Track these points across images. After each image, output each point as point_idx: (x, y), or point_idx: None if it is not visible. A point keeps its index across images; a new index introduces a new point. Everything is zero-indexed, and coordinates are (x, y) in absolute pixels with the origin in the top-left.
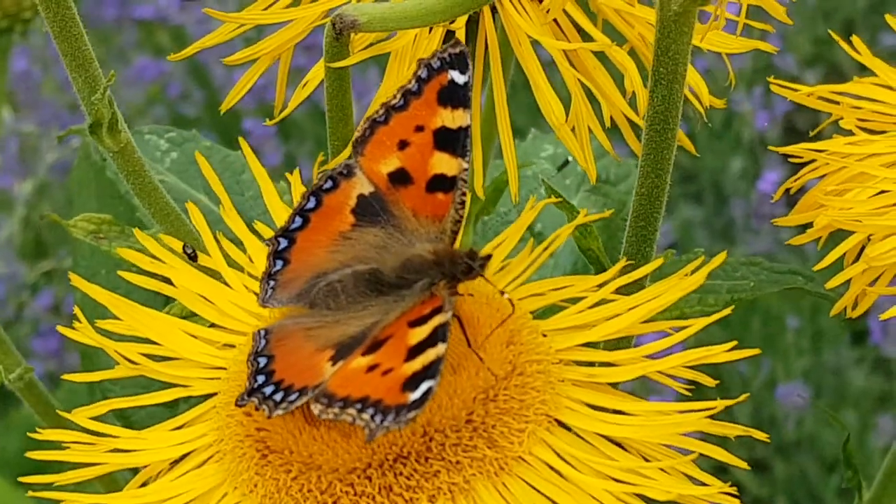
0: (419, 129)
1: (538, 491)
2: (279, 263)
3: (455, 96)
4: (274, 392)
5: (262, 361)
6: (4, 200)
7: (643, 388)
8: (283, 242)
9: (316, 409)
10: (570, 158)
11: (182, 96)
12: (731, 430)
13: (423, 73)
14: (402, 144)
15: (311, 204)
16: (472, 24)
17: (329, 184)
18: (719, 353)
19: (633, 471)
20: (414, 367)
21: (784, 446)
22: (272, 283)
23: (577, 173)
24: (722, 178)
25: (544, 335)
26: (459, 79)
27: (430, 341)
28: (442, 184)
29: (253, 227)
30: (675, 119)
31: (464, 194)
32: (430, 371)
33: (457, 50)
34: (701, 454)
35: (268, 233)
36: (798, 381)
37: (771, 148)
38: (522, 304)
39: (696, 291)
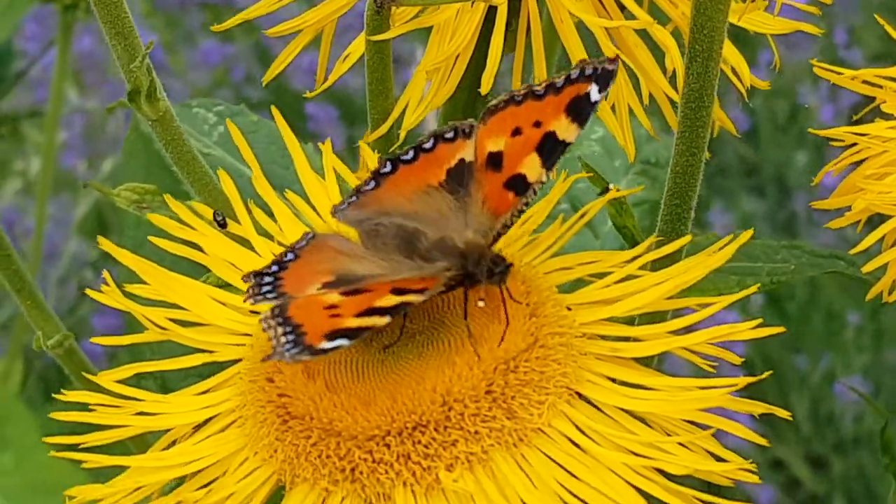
0: (537, 124)
1: (557, 463)
2: (371, 184)
3: (580, 109)
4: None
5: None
6: (69, 180)
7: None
8: (388, 167)
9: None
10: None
11: (246, 79)
12: (754, 407)
13: (574, 74)
14: (516, 132)
15: (429, 144)
16: (515, 1)
17: (450, 134)
18: (745, 331)
19: (653, 445)
20: (353, 323)
21: (842, 443)
22: (354, 198)
23: (625, 156)
24: (786, 171)
25: (569, 309)
26: (594, 95)
27: (387, 311)
28: (518, 185)
29: (285, 196)
30: (710, 97)
31: (527, 204)
32: (354, 333)
33: (611, 67)
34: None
35: (298, 202)
36: (857, 378)
37: (811, 131)
38: (549, 277)
39: (736, 273)
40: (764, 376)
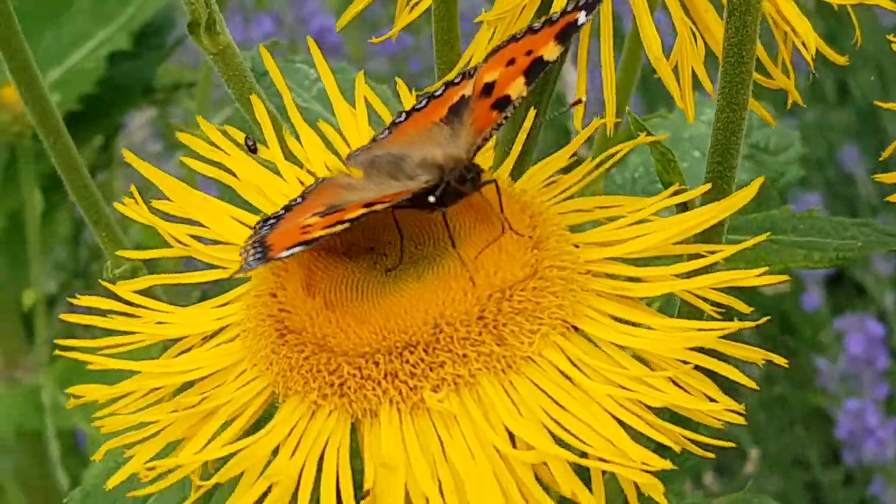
0: (529, 53)
1: (544, 392)
2: (385, 133)
3: (567, 34)
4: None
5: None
6: None
7: None
8: (402, 117)
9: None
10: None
11: (422, 71)
12: (749, 352)
13: (569, 7)
14: (510, 62)
15: (439, 91)
16: None
17: (458, 79)
18: (750, 277)
19: (640, 379)
20: (316, 234)
21: None
22: (368, 146)
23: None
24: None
25: (576, 246)
26: (581, 19)
27: (349, 221)
28: (502, 103)
29: (318, 126)
30: (750, 52)
31: (507, 118)
32: (312, 241)
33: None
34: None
35: (330, 132)
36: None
37: (877, 103)
38: (562, 217)
39: (803, 247)
40: (762, 321)
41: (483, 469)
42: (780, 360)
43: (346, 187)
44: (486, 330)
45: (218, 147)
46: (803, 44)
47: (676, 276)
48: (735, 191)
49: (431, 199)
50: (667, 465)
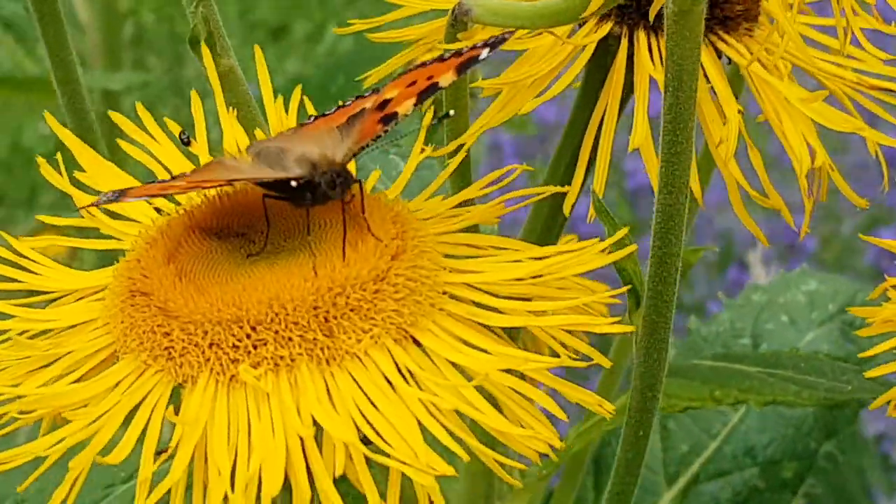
0: (429, 78)
1: (362, 389)
2: (291, 130)
3: (467, 66)
4: None
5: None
6: None
7: None
8: (310, 120)
9: None
10: (451, 112)
11: None
12: (568, 388)
13: (481, 43)
14: (411, 83)
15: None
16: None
17: (367, 94)
18: (601, 325)
19: (457, 392)
20: (169, 191)
21: None
22: (271, 139)
23: (827, 309)
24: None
25: (444, 268)
26: (483, 55)
27: (203, 188)
28: (389, 118)
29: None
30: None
31: (386, 131)
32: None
33: (507, 36)
34: None
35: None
36: None
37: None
38: (445, 244)
39: (797, 384)
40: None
41: (277, 449)
42: (609, 408)
43: (227, 168)
44: (317, 320)
45: (150, 134)
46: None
47: (531, 312)
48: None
49: (293, 183)
50: (449, 470)
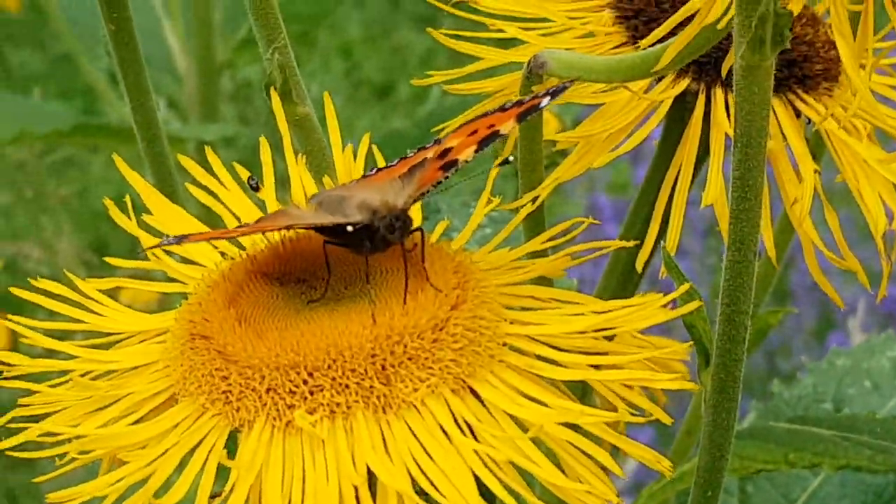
0: (490, 126)
1: (417, 439)
2: (354, 182)
3: (527, 115)
4: None
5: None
6: None
7: None
8: (373, 171)
9: None
10: (511, 158)
11: None
12: (634, 448)
13: (542, 93)
14: (472, 133)
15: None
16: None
17: (430, 144)
18: (663, 381)
19: (515, 445)
20: (231, 234)
21: None
22: (335, 189)
23: None
24: None
25: (505, 320)
26: (544, 103)
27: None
28: (449, 165)
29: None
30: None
31: (447, 178)
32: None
33: (568, 85)
34: None
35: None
36: None
37: None
38: (508, 296)
39: (871, 448)
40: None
41: (331, 497)
42: (666, 465)
43: (290, 216)
44: (374, 367)
45: (218, 179)
46: None
47: (591, 366)
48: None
49: (351, 227)
50: None
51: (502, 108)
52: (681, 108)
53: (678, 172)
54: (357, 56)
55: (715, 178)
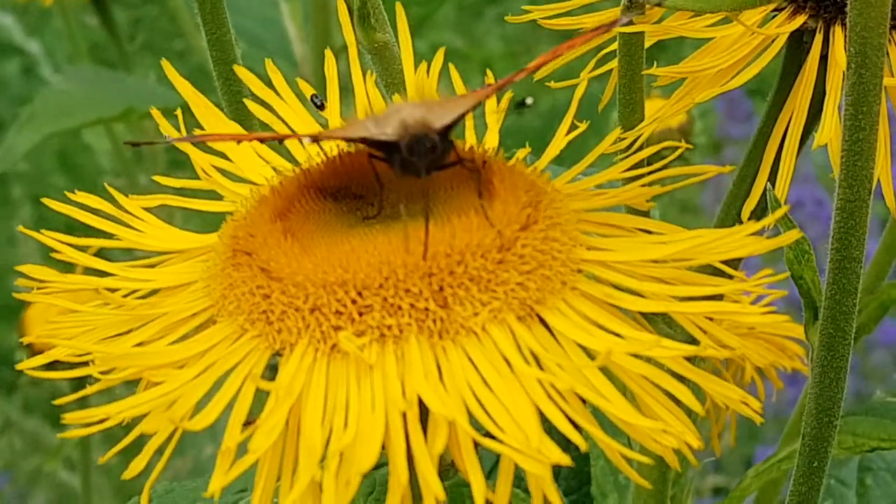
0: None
1: (476, 368)
2: None
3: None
4: None
5: None
6: None
7: None
8: None
9: None
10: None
11: None
12: (723, 388)
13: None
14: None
15: None
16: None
17: None
18: (753, 314)
19: (581, 375)
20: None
21: None
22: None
23: None
24: None
25: (580, 244)
26: (623, 20)
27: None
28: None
29: None
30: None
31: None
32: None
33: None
34: None
35: None
36: None
37: None
38: (586, 222)
39: None
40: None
41: (376, 425)
42: (756, 406)
43: (358, 125)
44: (430, 288)
45: (278, 94)
46: None
47: (674, 297)
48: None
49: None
50: (565, 459)
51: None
52: (796, 47)
53: (791, 117)
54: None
55: (830, 118)
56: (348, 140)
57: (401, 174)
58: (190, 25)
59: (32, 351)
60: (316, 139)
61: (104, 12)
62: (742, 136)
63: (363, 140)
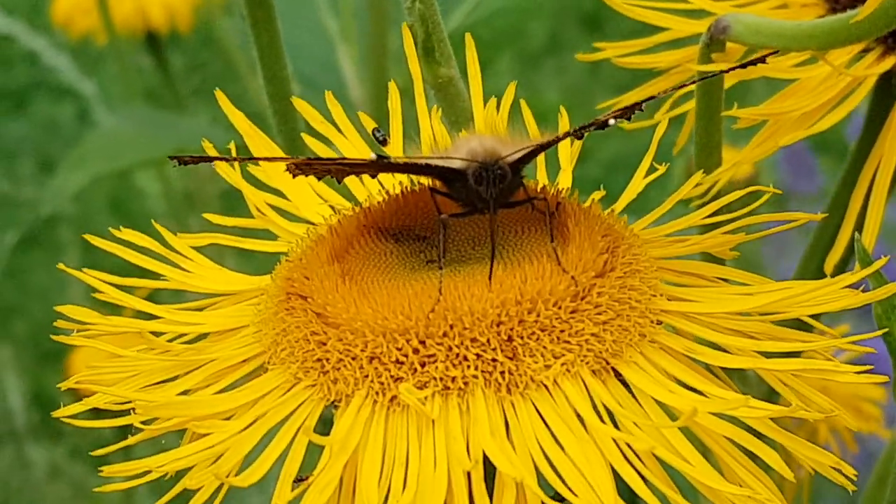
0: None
1: (546, 425)
2: None
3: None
4: None
5: None
6: None
7: None
8: None
9: None
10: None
11: None
12: (815, 453)
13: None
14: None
15: None
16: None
17: None
18: (847, 373)
19: (661, 435)
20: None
21: None
22: None
23: None
24: None
25: (660, 294)
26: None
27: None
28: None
29: None
30: None
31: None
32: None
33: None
34: None
35: None
36: None
37: None
38: (665, 270)
39: None
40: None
41: (437, 485)
42: (849, 474)
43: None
44: (499, 338)
45: (337, 127)
46: None
47: (759, 352)
48: None
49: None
50: None
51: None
52: (885, 90)
53: (878, 164)
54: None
55: None
56: (411, 169)
57: (467, 207)
58: (244, 69)
59: (77, 396)
60: (377, 164)
61: (158, 53)
62: (807, 192)
63: (426, 168)
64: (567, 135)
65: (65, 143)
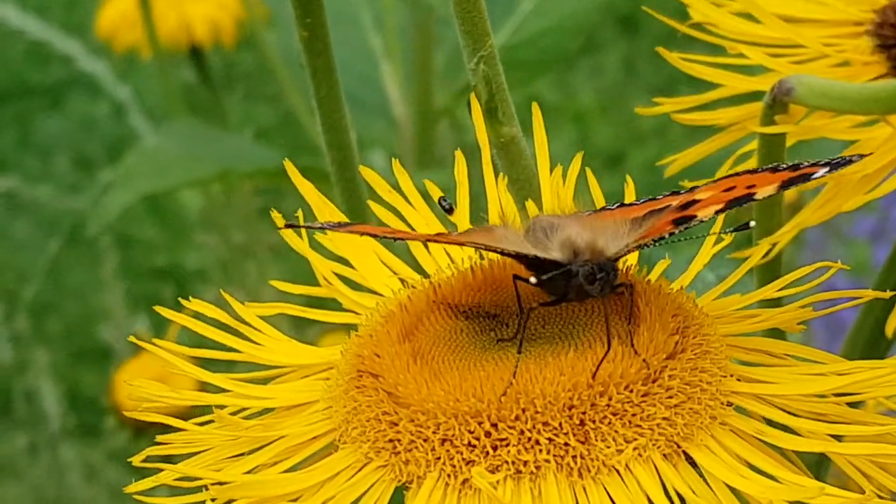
0: (749, 186)
1: None
2: (587, 212)
3: (794, 183)
4: None
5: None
6: None
7: None
8: (614, 206)
9: None
10: (751, 223)
11: None
12: None
13: (822, 161)
14: (728, 189)
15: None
16: None
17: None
18: None
19: None
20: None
21: None
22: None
23: None
24: None
25: (731, 375)
26: (819, 174)
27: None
28: (684, 220)
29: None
30: None
31: (672, 234)
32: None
33: (855, 159)
34: None
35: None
36: None
37: None
38: (734, 348)
39: None
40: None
41: None
42: None
43: (493, 235)
44: (571, 422)
45: (404, 196)
46: None
47: (832, 436)
48: None
49: (533, 280)
50: None
51: (773, 169)
52: None
53: None
54: (590, 124)
55: None
56: (501, 253)
57: (555, 296)
58: (282, 69)
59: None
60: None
61: (202, 66)
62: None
63: (518, 256)
64: (660, 226)
65: (101, 141)
